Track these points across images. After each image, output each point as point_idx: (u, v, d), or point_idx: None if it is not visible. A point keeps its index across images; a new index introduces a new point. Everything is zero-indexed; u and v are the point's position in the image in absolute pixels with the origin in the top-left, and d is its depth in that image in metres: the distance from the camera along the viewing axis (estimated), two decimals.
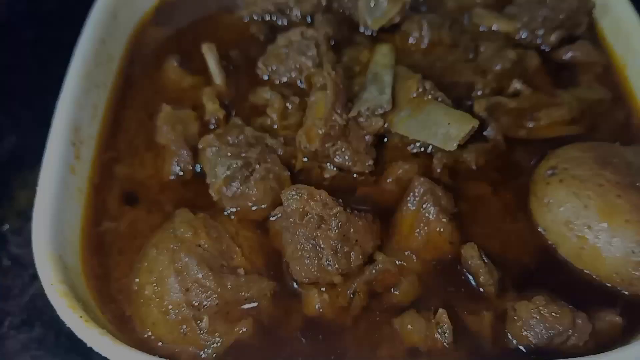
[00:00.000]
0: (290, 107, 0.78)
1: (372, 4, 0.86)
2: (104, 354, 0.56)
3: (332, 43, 0.84)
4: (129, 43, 0.89)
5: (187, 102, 0.80)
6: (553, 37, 0.85)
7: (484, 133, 0.74)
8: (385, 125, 0.73)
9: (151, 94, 0.82)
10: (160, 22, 0.92)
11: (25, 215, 0.90)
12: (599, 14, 0.87)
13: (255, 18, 0.92)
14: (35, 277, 0.82)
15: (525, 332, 0.57)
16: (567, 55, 0.85)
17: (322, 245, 0.62)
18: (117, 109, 0.80)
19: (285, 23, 0.89)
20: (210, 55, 0.82)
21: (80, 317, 0.57)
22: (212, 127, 0.78)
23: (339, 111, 0.70)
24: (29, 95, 1.04)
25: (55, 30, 1.14)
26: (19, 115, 1.03)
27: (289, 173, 0.72)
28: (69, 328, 0.80)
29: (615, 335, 0.57)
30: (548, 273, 0.64)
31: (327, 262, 0.62)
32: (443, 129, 0.67)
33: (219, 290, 0.61)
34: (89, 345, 0.60)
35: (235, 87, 0.83)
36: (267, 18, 0.92)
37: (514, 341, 0.59)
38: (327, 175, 0.72)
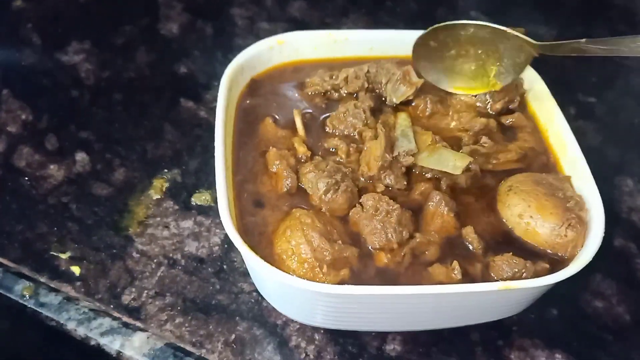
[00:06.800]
0: (351, 150, 1.05)
1: (396, 87, 1.13)
2: (272, 276, 0.84)
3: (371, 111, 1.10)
4: (237, 108, 1.15)
5: (282, 146, 1.06)
6: (498, 105, 1.15)
7: (469, 166, 1.03)
8: (413, 161, 1.04)
9: (257, 141, 1.08)
10: (252, 94, 1.19)
11: (143, 223, 1.13)
12: (528, 94, 1.17)
13: (318, 93, 1.17)
14: (159, 264, 1.07)
15: (500, 272, 0.90)
16: (508, 121, 1.14)
17: (387, 227, 0.92)
18: (238, 150, 1.06)
19: (337, 97, 1.16)
20: (297, 116, 1.12)
21: (257, 254, 0.86)
22: (302, 161, 1.03)
23: (387, 152, 1.01)
24: (129, 142, 1.28)
25: (137, 93, 1.42)
26: (125, 156, 1.25)
27: (357, 188, 1.00)
28: (191, 295, 1.01)
29: (545, 274, 0.88)
30: (509, 243, 0.95)
31: (390, 236, 0.92)
32: (452, 162, 0.98)
33: (331, 250, 0.89)
34: (263, 269, 0.84)
35: (311, 137, 1.09)
36: (325, 93, 1.17)
37: (493, 275, 0.91)
38: (378, 190, 0.99)
